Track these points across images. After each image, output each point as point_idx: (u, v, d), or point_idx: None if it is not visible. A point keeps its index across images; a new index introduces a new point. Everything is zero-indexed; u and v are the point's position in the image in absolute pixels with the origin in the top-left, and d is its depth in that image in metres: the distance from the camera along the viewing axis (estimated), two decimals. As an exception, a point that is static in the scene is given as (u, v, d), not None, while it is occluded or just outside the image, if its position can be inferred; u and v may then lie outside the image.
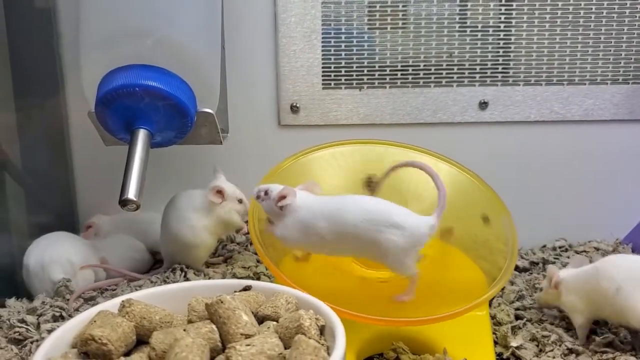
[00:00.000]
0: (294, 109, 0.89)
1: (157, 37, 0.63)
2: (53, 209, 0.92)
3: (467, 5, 0.87)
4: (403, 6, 0.87)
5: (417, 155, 0.73)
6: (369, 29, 0.87)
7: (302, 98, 0.89)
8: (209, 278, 0.76)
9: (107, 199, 0.83)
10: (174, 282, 0.74)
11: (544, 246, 0.91)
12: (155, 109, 0.62)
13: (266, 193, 0.60)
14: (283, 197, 0.59)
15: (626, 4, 0.86)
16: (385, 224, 0.57)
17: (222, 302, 0.46)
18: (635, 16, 0.87)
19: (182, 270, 0.77)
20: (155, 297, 0.52)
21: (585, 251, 0.88)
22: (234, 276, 0.76)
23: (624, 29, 0.87)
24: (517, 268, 0.82)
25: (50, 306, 0.67)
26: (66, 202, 0.93)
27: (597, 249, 0.88)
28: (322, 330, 0.48)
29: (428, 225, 0.58)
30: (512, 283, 0.77)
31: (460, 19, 0.87)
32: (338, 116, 0.89)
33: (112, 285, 0.77)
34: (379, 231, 0.56)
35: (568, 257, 0.86)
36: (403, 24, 0.87)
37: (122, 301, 0.49)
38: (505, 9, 0.87)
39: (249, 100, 0.89)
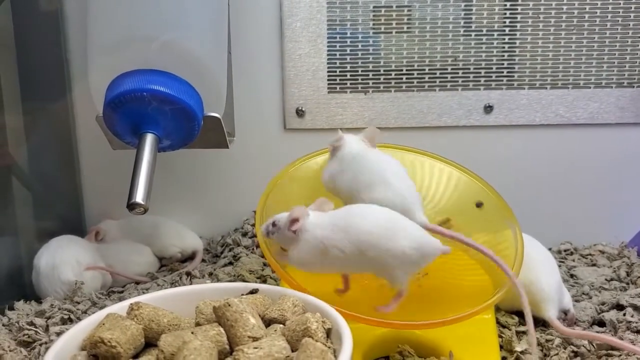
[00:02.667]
0: (300, 112, 0.89)
1: (164, 42, 0.63)
2: (60, 213, 0.92)
3: (472, 9, 0.88)
4: (408, 10, 0.87)
5: (423, 159, 0.73)
6: (374, 32, 0.88)
7: (307, 102, 0.89)
8: (217, 281, 0.77)
9: (114, 203, 0.84)
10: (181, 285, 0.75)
11: (550, 249, 0.90)
12: (162, 114, 0.62)
13: (274, 224, 0.57)
14: (295, 221, 0.56)
15: (631, 7, 0.86)
16: (398, 231, 0.56)
17: (229, 305, 0.46)
18: (640, 19, 0.87)
19: (187, 274, 0.77)
20: (163, 299, 0.53)
21: (590, 254, 0.88)
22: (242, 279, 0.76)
23: (628, 32, 0.87)
24: (522, 271, 0.82)
25: (59, 309, 0.68)
26: (73, 206, 0.93)
27: (602, 252, 0.88)
28: (328, 333, 0.48)
29: (440, 248, 0.56)
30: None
31: (465, 22, 0.88)
32: (343, 120, 0.90)
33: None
34: (392, 238, 0.55)
35: (573, 261, 0.86)
36: (408, 27, 0.88)
37: (131, 304, 0.49)
38: (510, 13, 0.87)
39: (255, 105, 0.90)
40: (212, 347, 0.43)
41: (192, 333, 0.45)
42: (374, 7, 0.87)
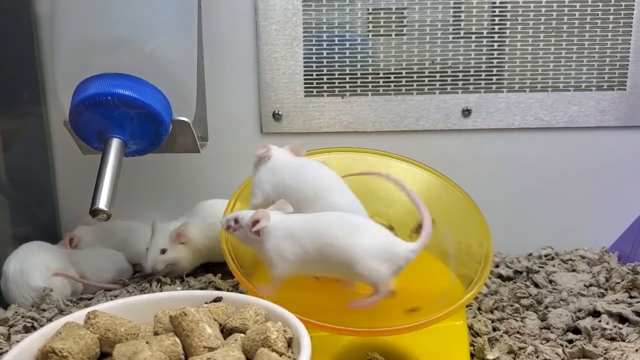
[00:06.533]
0: (276, 116, 0.88)
1: (131, 46, 0.62)
2: (36, 219, 0.91)
3: (449, 12, 0.87)
4: (385, 14, 0.86)
5: (399, 164, 0.73)
6: (350, 36, 0.87)
7: (284, 106, 0.88)
8: (189, 288, 0.76)
9: (89, 208, 0.82)
10: (150, 292, 0.74)
11: (530, 254, 0.90)
12: (128, 118, 0.62)
13: (236, 221, 0.57)
14: (256, 222, 0.56)
15: (610, 9, 0.86)
16: (359, 229, 0.55)
17: (185, 314, 0.45)
18: (619, 22, 0.86)
19: (158, 281, 0.76)
20: (125, 308, 0.52)
21: (571, 259, 0.87)
22: (214, 286, 0.75)
23: (608, 35, 0.87)
24: (500, 277, 0.81)
25: (22, 317, 0.66)
26: (49, 212, 0.92)
27: (583, 257, 0.87)
28: (290, 342, 0.47)
29: (409, 249, 0.55)
30: (495, 292, 0.76)
31: (442, 25, 0.87)
32: (320, 124, 0.89)
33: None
34: (351, 234, 0.55)
35: (554, 266, 0.85)
36: (385, 31, 0.87)
37: (88, 313, 0.48)
38: (488, 16, 0.87)
39: (230, 108, 0.89)
40: (164, 358, 0.42)
41: (147, 343, 0.44)
42: (350, 10, 0.86)
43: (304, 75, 0.87)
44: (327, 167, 0.64)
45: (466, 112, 0.88)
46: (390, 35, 0.87)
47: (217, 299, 0.53)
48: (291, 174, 0.63)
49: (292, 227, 0.56)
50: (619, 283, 0.76)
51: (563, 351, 0.60)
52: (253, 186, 0.65)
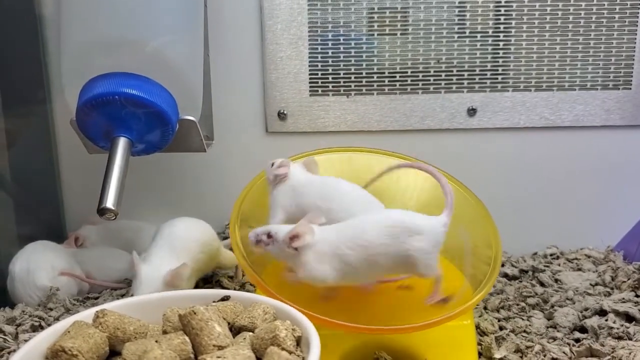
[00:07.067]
0: (282, 115, 0.88)
1: (137, 45, 0.62)
2: (41, 218, 0.92)
3: (455, 11, 0.87)
4: (390, 12, 0.86)
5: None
6: (355, 35, 0.87)
7: (289, 105, 0.88)
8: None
9: (94, 208, 0.82)
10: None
11: (535, 253, 0.90)
12: (135, 117, 0.62)
13: (269, 236, 0.55)
14: (296, 236, 0.54)
15: (615, 8, 0.86)
16: (406, 233, 0.55)
17: (194, 313, 0.45)
18: (625, 21, 0.86)
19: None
20: (132, 306, 0.52)
21: (576, 259, 0.87)
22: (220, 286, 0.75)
23: (613, 34, 0.87)
24: (506, 276, 0.81)
25: (30, 316, 0.67)
26: (54, 211, 0.93)
27: (588, 256, 0.87)
28: (299, 341, 0.47)
29: (442, 223, 0.56)
30: (501, 292, 0.76)
31: (447, 24, 0.87)
32: (326, 123, 0.89)
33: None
34: (403, 242, 0.54)
35: (559, 265, 0.85)
36: (390, 30, 0.87)
37: (96, 311, 0.48)
38: (494, 15, 0.87)
39: (235, 107, 0.89)
40: (174, 356, 0.42)
41: (156, 342, 0.44)
42: (355, 9, 0.86)
43: (309, 74, 0.87)
44: (347, 181, 0.63)
45: (471, 111, 0.88)
46: (396, 34, 0.87)
47: (225, 298, 0.53)
48: (314, 192, 0.62)
49: (332, 240, 0.55)
50: (625, 282, 0.76)
51: (570, 350, 0.60)
52: (272, 205, 0.63)
